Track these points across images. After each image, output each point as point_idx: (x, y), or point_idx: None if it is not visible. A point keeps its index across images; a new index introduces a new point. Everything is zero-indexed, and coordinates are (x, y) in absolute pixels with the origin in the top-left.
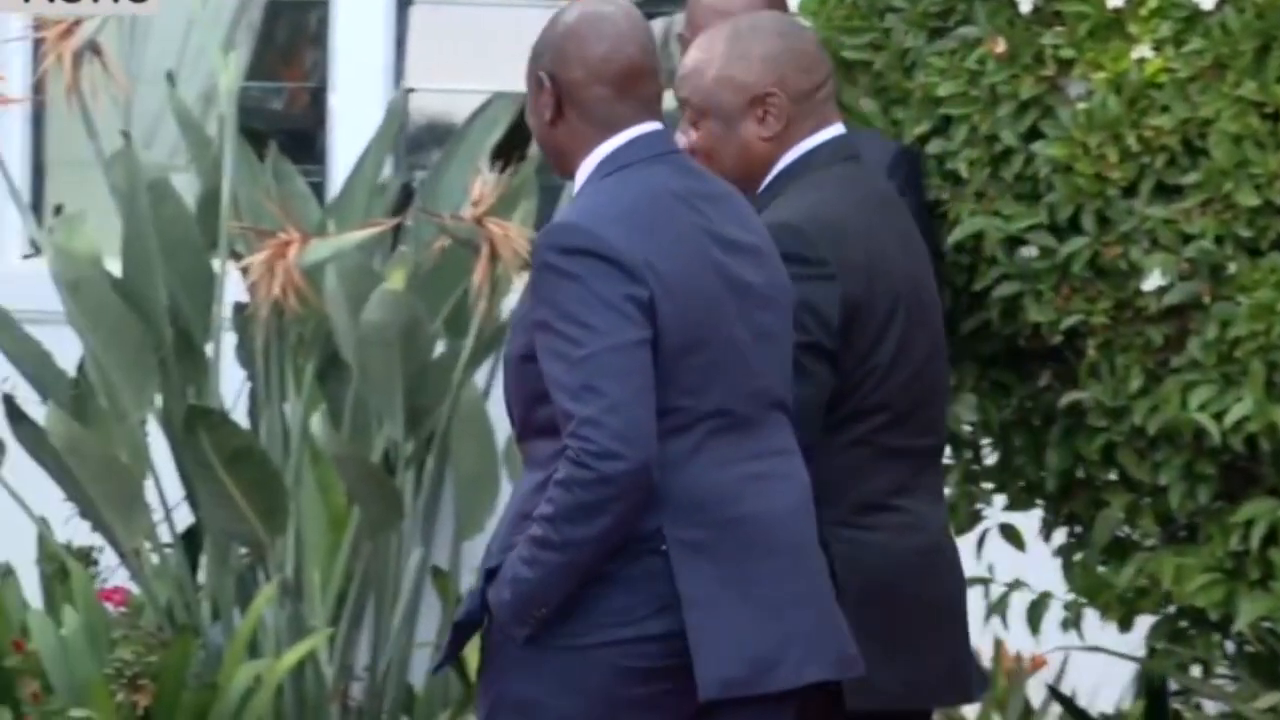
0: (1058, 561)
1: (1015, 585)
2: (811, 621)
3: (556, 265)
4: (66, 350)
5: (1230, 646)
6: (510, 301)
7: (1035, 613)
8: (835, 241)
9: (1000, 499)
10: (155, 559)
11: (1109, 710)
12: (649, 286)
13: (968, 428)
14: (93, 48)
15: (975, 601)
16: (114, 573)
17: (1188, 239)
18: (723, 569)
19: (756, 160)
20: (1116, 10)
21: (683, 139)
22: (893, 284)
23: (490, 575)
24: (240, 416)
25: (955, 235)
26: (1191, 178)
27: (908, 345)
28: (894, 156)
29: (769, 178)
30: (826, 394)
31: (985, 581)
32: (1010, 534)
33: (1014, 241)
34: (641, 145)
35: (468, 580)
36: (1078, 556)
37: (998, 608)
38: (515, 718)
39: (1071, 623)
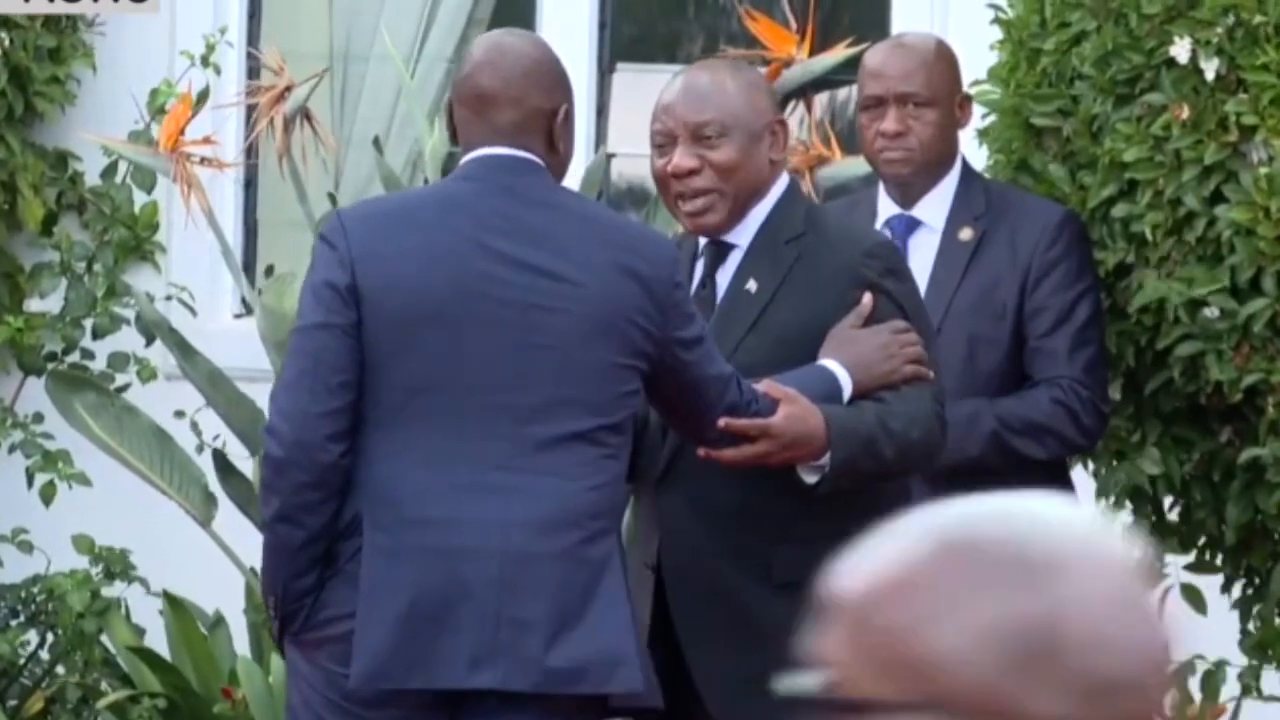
0: (1232, 624)
1: (1193, 659)
2: (492, 628)
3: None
4: None
5: None
6: None
7: (1211, 683)
8: None
9: (1181, 559)
10: None
11: None
12: (354, 275)
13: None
14: (304, 113)
15: None
16: None
17: None
18: (401, 566)
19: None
20: None
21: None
22: None
23: None
24: None
25: (1139, 300)
26: None
27: None
28: (1059, 220)
29: (774, 201)
30: None
31: None
32: (1192, 595)
33: (1196, 302)
34: (473, 164)
35: None
36: (1255, 609)
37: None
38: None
39: (1251, 688)
